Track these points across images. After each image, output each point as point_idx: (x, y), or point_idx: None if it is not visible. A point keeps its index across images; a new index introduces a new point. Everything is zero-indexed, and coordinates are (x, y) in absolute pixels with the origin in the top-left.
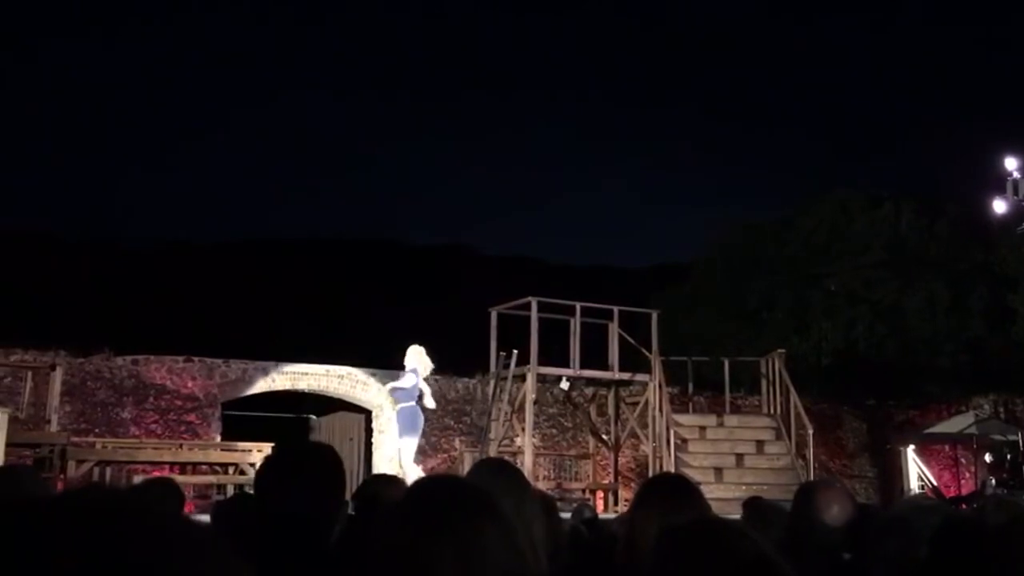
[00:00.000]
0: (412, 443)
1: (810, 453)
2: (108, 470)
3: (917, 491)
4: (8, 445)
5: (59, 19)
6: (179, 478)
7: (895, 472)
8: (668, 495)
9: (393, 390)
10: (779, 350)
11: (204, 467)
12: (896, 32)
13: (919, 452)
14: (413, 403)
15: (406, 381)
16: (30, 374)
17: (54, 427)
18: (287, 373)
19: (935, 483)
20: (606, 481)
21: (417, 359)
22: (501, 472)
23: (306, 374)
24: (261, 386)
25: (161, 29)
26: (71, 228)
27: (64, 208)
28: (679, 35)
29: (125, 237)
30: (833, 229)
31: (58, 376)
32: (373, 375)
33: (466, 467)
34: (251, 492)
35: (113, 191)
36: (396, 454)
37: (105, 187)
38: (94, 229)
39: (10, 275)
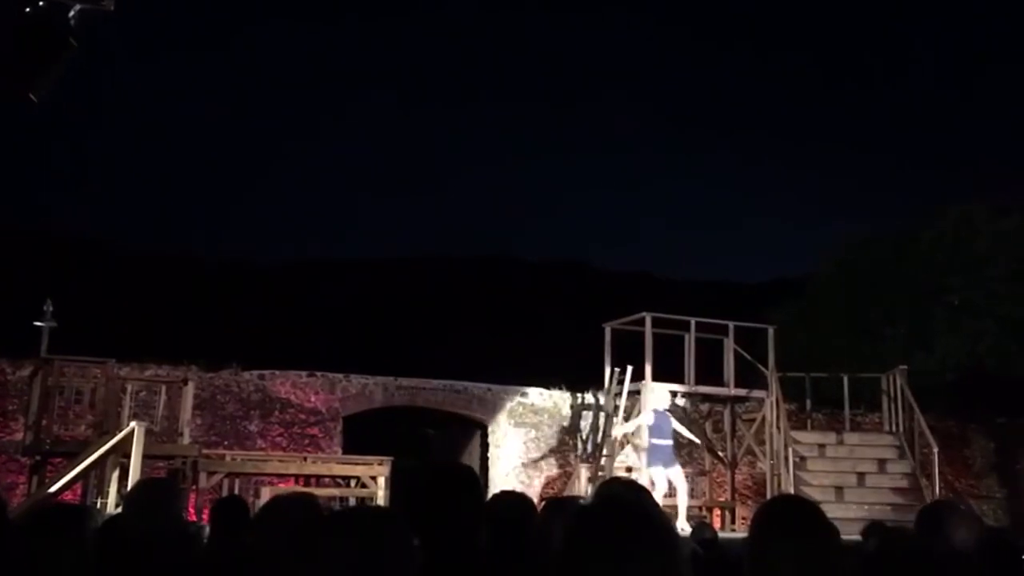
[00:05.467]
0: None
1: (935, 472)
2: (237, 482)
3: None
4: (145, 457)
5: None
6: (301, 490)
7: None
8: (795, 518)
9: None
10: (901, 366)
11: (327, 479)
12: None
13: None
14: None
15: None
16: (164, 388)
17: (186, 440)
18: (406, 388)
19: None
20: (723, 499)
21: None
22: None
23: (424, 389)
24: (381, 400)
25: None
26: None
27: (193, 229)
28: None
29: (254, 255)
30: (956, 242)
31: (190, 390)
32: (489, 390)
33: (582, 482)
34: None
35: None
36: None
37: (232, 206)
38: (225, 248)
39: (144, 294)
